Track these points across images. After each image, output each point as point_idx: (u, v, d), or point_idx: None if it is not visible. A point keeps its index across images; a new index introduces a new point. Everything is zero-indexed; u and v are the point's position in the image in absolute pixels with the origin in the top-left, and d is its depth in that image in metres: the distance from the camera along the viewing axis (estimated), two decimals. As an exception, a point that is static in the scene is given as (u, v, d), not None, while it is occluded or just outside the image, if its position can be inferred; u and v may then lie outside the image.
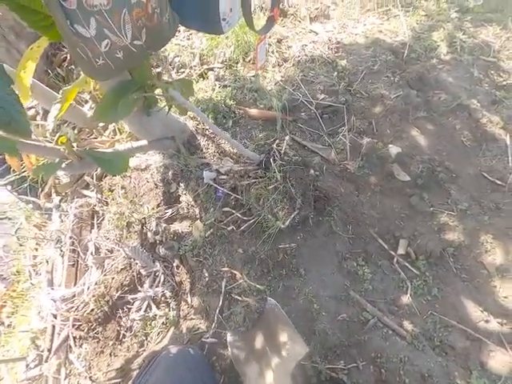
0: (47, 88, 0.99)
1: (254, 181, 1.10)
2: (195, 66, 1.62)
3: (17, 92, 0.59)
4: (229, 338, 0.95)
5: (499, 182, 1.24)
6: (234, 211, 1.17)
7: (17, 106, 0.55)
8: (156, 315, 1.09)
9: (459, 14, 1.79)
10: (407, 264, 1.10)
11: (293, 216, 1.05)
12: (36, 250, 1.63)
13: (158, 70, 1.57)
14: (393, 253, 1.13)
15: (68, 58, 1.95)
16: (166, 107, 1.04)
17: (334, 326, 0.98)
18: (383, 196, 1.24)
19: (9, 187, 1.51)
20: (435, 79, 1.50)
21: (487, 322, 1.01)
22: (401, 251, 1.13)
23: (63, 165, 0.95)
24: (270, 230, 1.07)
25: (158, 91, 0.99)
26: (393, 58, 1.59)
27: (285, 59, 1.66)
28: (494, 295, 1.05)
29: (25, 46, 1.85)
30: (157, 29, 0.72)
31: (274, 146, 1.12)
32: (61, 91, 0.93)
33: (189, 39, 1.76)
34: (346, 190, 1.24)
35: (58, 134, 1.44)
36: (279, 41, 1.74)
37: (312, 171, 1.21)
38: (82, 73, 1.72)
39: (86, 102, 1.71)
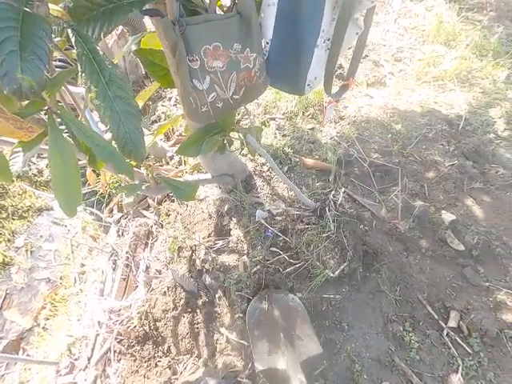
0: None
1: (306, 226, 1.14)
2: (259, 115, 1.79)
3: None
4: (250, 306, 1.07)
5: None
6: (281, 252, 1.21)
7: (141, 139, 0.67)
8: (193, 344, 1.10)
9: (517, 94, 1.84)
10: (459, 339, 1.04)
11: (342, 267, 1.06)
12: (85, 259, 1.75)
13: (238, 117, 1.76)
14: (443, 324, 1.07)
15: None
16: (237, 148, 1.16)
17: (375, 393, 0.92)
18: (434, 262, 1.21)
19: (79, 198, 1.69)
20: (492, 153, 1.52)
21: (553, 425, 0.89)
22: (452, 324, 1.07)
23: (143, 187, 1.07)
24: (317, 278, 1.08)
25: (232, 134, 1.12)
26: (448, 128, 1.65)
27: (341, 117, 1.79)
28: (561, 395, 0.94)
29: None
30: (253, 88, 0.85)
31: (331, 196, 1.18)
32: (156, 125, 1.09)
33: (255, 91, 1.97)
34: (394, 249, 1.23)
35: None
36: (337, 100, 1.89)
37: (362, 226, 1.24)
38: (160, 113, 1.96)
39: (158, 133, 1.93)
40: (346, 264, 1.07)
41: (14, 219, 2.09)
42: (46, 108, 0.61)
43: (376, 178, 1.47)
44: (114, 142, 0.66)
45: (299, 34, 0.79)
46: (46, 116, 0.61)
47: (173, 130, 1.86)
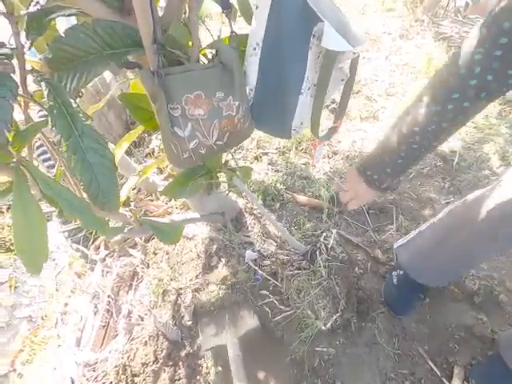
0: (130, 160, 1.14)
1: (297, 272, 1.08)
2: (251, 149, 1.79)
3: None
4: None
5: None
6: (271, 296, 1.14)
7: (115, 191, 0.64)
8: (173, 403, 1.00)
9: (510, 129, 1.85)
10: (465, 401, 0.94)
11: (335, 318, 0.99)
12: (69, 297, 1.67)
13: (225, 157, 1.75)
14: (446, 382, 0.98)
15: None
16: (226, 189, 1.13)
17: None
18: (433, 310, 1.14)
19: (66, 234, 1.64)
20: (489, 190, 1.48)
21: None
22: (456, 382, 0.98)
23: (126, 229, 1.03)
24: (308, 329, 1.00)
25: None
26: (442, 165, 1.63)
27: (334, 152, 1.78)
28: None
29: (113, 115, 2.21)
30: (237, 133, 0.84)
31: (321, 238, 1.13)
32: (141, 166, 1.07)
33: (249, 125, 1.99)
34: (391, 295, 1.16)
35: (121, 195, 1.58)
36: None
37: (356, 268, 1.18)
38: (154, 145, 1.97)
39: (151, 166, 1.91)
40: (338, 314, 0.99)
41: (0, 252, 2.02)
42: (15, 161, 0.58)
43: (371, 216, 1.43)
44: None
45: (283, 81, 0.78)
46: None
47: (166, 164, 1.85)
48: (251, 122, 0.88)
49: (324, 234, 1.18)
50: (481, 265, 1.22)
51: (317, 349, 1.01)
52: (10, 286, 1.87)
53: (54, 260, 2.02)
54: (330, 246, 1.10)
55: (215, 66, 0.74)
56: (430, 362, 1.02)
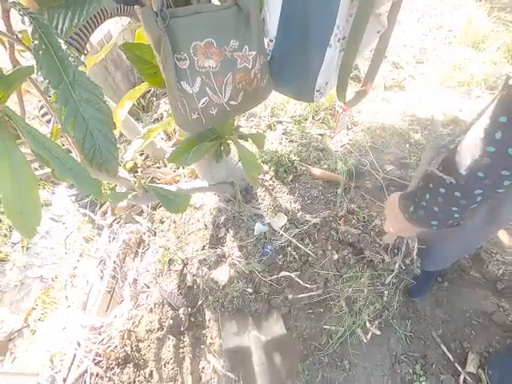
0: (136, 123, 1.06)
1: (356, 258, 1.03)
2: (265, 117, 1.67)
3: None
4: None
5: None
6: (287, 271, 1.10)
7: (112, 150, 0.57)
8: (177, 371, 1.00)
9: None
10: (478, 389, 0.90)
11: (376, 324, 0.94)
12: (78, 261, 1.68)
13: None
14: (459, 368, 0.94)
15: (152, 90, 2.16)
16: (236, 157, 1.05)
17: None
18: (451, 293, 1.08)
19: (73, 198, 1.61)
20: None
21: None
22: (470, 369, 0.93)
23: (130, 196, 0.97)
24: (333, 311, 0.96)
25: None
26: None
27: (354, 123, 1.65)
28: None
29: (120, 76, 2.09)
30: (253, 92, 0.73)
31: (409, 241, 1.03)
32: (146, 128, 0.99)
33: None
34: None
35: (126, 160, 1.52)
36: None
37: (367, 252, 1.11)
38: (162, 110, 1.87)
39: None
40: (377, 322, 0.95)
41: (13, 213, 2.03)
42: (-1, 111, 0.51)
43: (390, 193, 1.33)
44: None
45: (309, 30, 0.66)
46: None
47: (174, 129, 1.76)
48: (269, 80, 0.77)
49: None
50: (507, 250, 1.14)
51: (325, 326, 0.98)
52: (23, 247, 1.90)
53: (63, 224, 2.02)
54: (415, 253, 1.01)
55: (229, 7, 0.62)
56: (443, 347, 0.98)
